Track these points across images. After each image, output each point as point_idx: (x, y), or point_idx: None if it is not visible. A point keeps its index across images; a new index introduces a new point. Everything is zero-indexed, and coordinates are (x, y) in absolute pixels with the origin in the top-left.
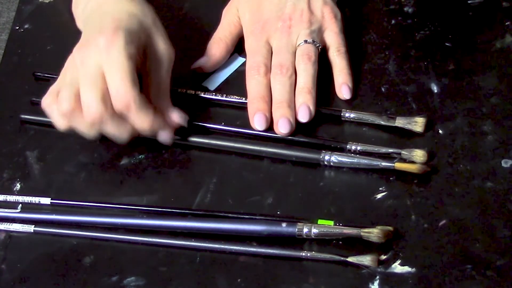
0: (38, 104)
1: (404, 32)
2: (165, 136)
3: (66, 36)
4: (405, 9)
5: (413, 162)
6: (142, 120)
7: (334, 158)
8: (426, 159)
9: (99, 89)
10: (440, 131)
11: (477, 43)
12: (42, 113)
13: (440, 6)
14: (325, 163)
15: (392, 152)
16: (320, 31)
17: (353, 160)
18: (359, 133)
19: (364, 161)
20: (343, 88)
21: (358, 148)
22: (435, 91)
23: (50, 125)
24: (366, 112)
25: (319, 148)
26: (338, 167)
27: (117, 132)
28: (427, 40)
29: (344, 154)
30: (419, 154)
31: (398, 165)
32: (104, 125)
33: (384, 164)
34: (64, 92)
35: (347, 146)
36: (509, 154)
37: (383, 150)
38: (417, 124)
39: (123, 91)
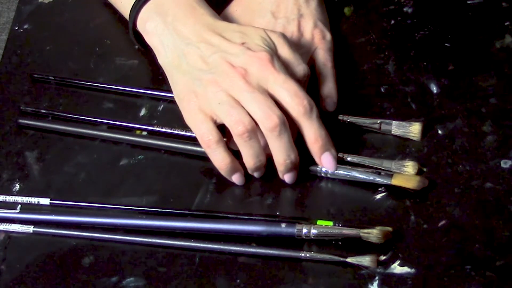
0: (27, 112)
1: (404, 32)
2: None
3: (66, 36)
4: (405, 9)
5: (410, 175)
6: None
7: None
8: (417, 170)
9: (268, 100)
10: (440, 132)
11: (477, 43)
12: (39, 117)
13: (440, 6)
14: (322, 174)
15: (382, 168)
16: (308, 53)
17: (350, 174)
18: (355, 135)
19: (360, 176)
20: (327, 101)
21: (348, 158)
22: (435, 91)
23: (47, 130)
24: (363, 117)
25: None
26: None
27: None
28: (426, 40)
29: (341, 166)
30: (410, 167)
31: (395, 182)
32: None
33: (380, 180)
34: (238, 115)
35: (338, 156)
36: (508, 154)
37: (374, 161)
38: (414, 133)
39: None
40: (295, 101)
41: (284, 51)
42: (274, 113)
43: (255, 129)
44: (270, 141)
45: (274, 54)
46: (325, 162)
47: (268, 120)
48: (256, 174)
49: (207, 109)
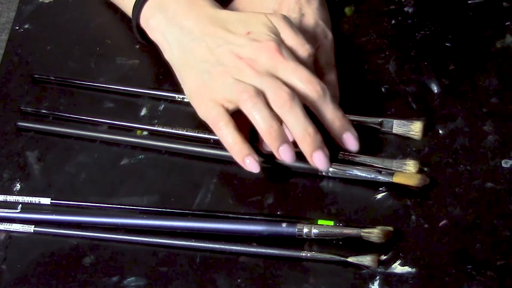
0: (27, 112)
1: (404, 32)
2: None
3: (66, 36)
4: (405, 9)
5: (411, 172)
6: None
7: (332, 169)
8: (418, 169)
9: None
10: (440, 131)
11: (477, 43)
12: (39, 117)
13: (440, 6)
14: (323, 173)
15: (383, 168)
16: None
17: (351, 172)
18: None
19: (362, 174)
20: None
21: (349, 157)
22: (435, 91)
23: (46, 132)
24: (364, 116)
25: None
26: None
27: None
28: (427, 40)
29: (342, 165)
30: (410, 166)
31: (397, 180)
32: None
33: (381, 178)
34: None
35: (339, 156)
36: (509, 154)
37: (374, 160)
38: (415, 132)
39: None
40: (309, 88)
41: (287, 33)
42: (282, 89)
43: (260, 94)
44: (284, 119)
45: (280, 41)
46: (347, 142)
47: (277, 97)
48: (282, 151)
49: (218, 97)
